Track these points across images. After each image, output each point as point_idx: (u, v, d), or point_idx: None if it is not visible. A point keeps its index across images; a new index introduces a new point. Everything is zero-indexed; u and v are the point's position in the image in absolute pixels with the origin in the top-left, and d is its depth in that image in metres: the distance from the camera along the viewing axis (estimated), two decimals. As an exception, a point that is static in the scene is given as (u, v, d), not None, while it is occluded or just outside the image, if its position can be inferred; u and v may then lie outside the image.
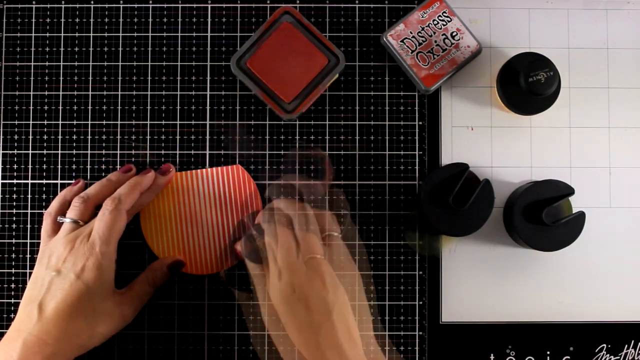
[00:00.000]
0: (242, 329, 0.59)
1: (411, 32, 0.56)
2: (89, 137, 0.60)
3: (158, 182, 0.57)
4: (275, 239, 0.54)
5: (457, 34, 0.56)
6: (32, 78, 0.60)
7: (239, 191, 0.59)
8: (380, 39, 0.59)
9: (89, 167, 0.59)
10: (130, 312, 0.54)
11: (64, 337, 0.49)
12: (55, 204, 0.56)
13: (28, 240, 0.59)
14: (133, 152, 0.60)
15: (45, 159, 0.60)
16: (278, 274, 0.52)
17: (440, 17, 0.57)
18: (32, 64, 0.60)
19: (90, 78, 0.60)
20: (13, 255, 0.59)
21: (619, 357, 0.58)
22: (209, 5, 0.61)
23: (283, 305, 0.52)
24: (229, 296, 0.59)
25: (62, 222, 0.54)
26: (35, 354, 0.48)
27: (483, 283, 0.59)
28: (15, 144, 0.60)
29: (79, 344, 0.51)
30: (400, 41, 0.56)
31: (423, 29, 0.56)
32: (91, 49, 0.60)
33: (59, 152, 0.60)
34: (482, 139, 0.60)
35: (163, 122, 0.60)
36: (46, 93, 0.60)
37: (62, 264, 0.51)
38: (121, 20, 0.60)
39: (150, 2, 0.61)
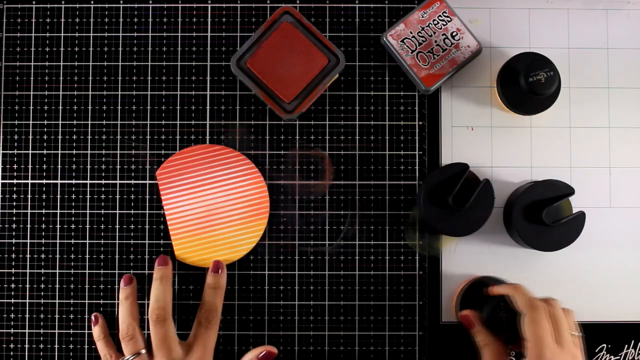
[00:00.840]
0: (242, 329, 0.59)
1: (411, 32, 0.56)
2: (89, 137, 0.60)
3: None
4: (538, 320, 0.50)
5: (457, 34, 0.56)
6: (32, 78, 0.60)
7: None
8: (380, 39, 0.59)
9: (89, 167, 0.59)
10: None
11: None
12: (103, 347, 0.57)
13: (28, 240, 0.59)
14: (133, 152, 0.60)
15: (45, 159, 0.60)
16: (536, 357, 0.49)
17: (440, 17, 0.57)
18: (32, 64, 0.60)
19: (90, 78, 0.60)
20: (13, 255, 0.59)
21: (619, 357, 0.58)
22: (209, 5, 0.61)
23: None
24: (229, 296, 0.59)
25: None
26: None
27: (483, 283, 0.59)
28: (15, 144, 0.60)
29: None
30: (401, 41, 0.56)
31: (423, 28, 0.56)
32: (91, 49, 0.60)
33: (59, 152, 0.60)
34: (482, 139, 0.60)
35: (163, 122, 0.60)
36: (46, 93, 0.60)
37: None
38: (121, 20, 0.60)
39: (150, 2, 0.61)
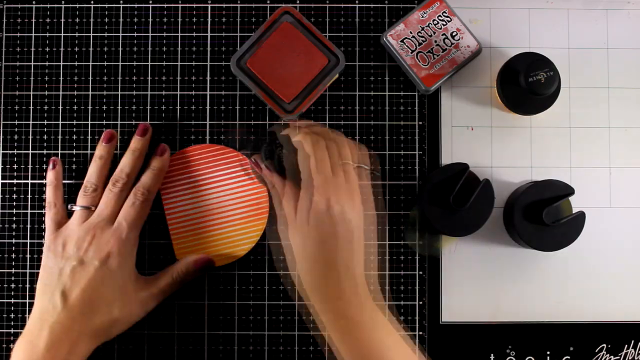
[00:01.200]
0: (242, 329, 0.59)
1: (411, 32, 0.56)
2: (89, 136, 0.60)
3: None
4: (308, 150, 0.53)
5: (457, 34, 0.56)
6: (32, 78, 0.60)
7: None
8: (380, 39, 0.59)
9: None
10: (151, 301, 0.55)
11: (88, 322, 0.51)
12: (51, 193, 0.57)
13: (28, 240, 0.59)
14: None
15: (45, 159, 0.60)
16: (309, 186, 0.52)
17: (440, 17, 0.57)
18: (32, 64, 0.60)
19: (90, 78, 0.60)
20: (13, 255, 0.59)
21: (619, 357, 0.58)
22: (209, 5, 0.61)
23: (312, 219, 0.51)
24: (229, 296, 0.59)
25: (73, 210, 0.56)
26: (62, 341, 0.49)
27: (483, 283, 0.59)
28: (15, 144, 0.60)
29: (102, 329, 0.52)
30: (400, 41, 0.56)
31: (423, 29, 0.56)
32: (91, 49, 0.60)
33: (59, 151, 0.60)
34: (482, 139, 0.60)
35: (163, 122, 0.60)
36: (46, 93, 0.60)
37: (83, 251, 0.53)
38: (121, 20, 0.60)
39: (150, 2, 0.61)
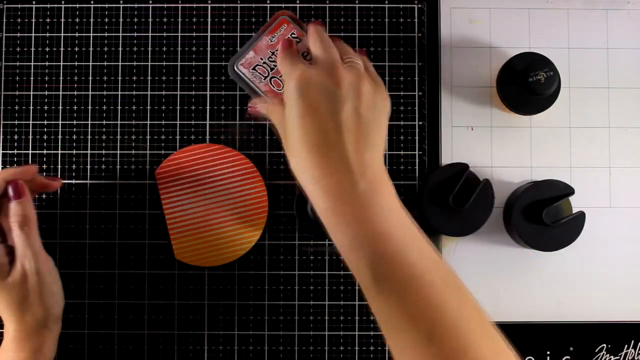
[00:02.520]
0: (242, 329, 0.59)
1: (262, 59, 0.54)
2: (89, 137, 0.60)
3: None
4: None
5: (308, 54, 0.53)
6: (32, 78, 0.60)
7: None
8: (229, 69, 0.55)
9: (89, 167, 0.59)
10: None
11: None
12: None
13: (28, 240, 0.59)
14: (133, 152, 0.60)
15: (45, 159, 0.60)
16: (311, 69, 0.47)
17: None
18: (32, 63, 0.60)
19: (90, 78, 0.60)
20: (13, 255, 0.59)
21: (619, 357, 0.58)
22: (209, 5, 0.61)
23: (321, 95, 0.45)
24: (229, 296, 0.59)
25: None
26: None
27: (483, 283, 0.59)
28: (15, 144, 0.60)
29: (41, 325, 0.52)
30: (252, 69, 0.55)
31: (273, 53, 0.55)
32: (91, 49, 0.60)
33: (59, 152, 0.60)
34: (482, 139, 0.60)
35: (163, 122, 0.60)
36: (46, 93, 0.60)
37: None
38: (121, 20, 0.60)
39: (150, 2, 0.61)
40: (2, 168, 0.59)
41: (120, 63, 0.60)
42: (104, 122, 0.60)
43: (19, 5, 0.60)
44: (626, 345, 0.59)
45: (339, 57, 0.48)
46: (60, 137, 0.60)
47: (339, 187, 0.43)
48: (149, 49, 0.60)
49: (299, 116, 0.45)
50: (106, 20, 0.60)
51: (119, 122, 0.60)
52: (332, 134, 0.44)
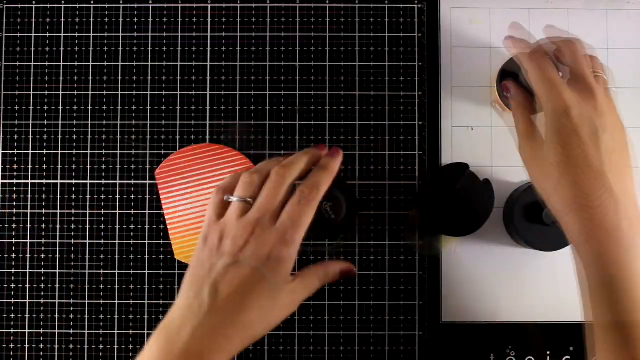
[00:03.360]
0: (242, 329, 0.59)
1: None
2: (89, 137, 0.60)
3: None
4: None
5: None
6: (32, 78, 0.60)
7: None
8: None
9: (89, 167, 0.60)
10: (298, 300, 0.47)
11: (236, 328, 0.44)
12: (228, 179, 0.49)
13: (28, 240, 0.59)
14: (133, 152, 0.60)
15: (45, 159, 0.60)
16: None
17: None
18: (32, 63, 0.60)
19: (90, 78, 0.60)
20: (13, 255, 0.59)
21: (619, 357, 0.58)
22: (209, 5, 0.61)
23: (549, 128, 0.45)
24: (229, 296, 0.59)
25: (230, 202, 0.47)
26: (203, 345, 0.43)
27: (483, 283, 0.59)
28: (15, 144, 0.60)
29: (251, 335, 0.45)
30: None
31: None
32: (91, 49, 0.60)
33: (59, 152, 0.60)
34: (482, 139, 0.60)
35: (163, 122, 0.60)
36: (46, 93, 0.60)
37: (239, 250, 0.45)
38: (121, 20, 0.60)
39: (150, 2, 0.61)
40: (2, 168, 0.59)
41: (120, 63, 0.60)
42: (104, 122, 0.60)
43: (19, 5, 0.60)
44: (626, 345, 0.58)
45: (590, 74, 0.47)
46: (60, 137, 0.60)
47: (601, 220, 0.41)
48: (149, 49, 0.60)
49: (554, 149, 0.44)
50: (106, 20, 0.60)
51: (119, 122, 0.60)
52: (596, 162, 0.43)
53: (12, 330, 0.59)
